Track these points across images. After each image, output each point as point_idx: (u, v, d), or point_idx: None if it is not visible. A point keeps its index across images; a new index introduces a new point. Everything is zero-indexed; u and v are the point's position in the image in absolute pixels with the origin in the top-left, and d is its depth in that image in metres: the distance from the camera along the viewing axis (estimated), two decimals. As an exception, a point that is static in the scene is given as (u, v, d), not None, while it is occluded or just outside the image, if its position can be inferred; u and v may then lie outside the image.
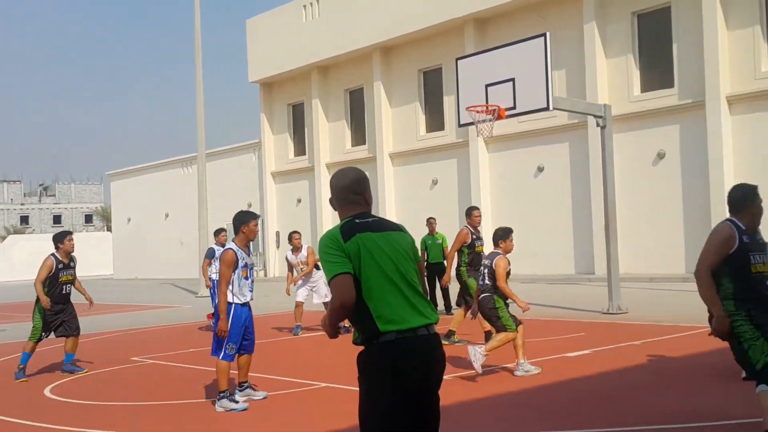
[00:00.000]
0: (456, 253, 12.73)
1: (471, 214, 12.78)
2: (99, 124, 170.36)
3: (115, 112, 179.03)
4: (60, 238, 11.50)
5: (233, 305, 8.47)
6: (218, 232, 16.06)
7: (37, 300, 11.23)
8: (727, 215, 6.33)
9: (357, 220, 4.12)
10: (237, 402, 8.42)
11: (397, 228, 4.25)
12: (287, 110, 38.37)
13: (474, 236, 12.58)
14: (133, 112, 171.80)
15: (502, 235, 9.83)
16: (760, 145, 22.29)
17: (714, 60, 22.82)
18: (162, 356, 12.81)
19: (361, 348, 4.06)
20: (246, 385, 8.84)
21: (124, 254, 49.42)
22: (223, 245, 15.52)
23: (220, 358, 8.44)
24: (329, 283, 3.96)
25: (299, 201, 37.45)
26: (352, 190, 4.23)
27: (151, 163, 48.43)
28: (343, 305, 3.94)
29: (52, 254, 11.40)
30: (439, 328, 4.43)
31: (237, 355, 8.61)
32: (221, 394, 8.41)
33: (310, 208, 36.63)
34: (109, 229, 77.42)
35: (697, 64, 23.40)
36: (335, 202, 4.28)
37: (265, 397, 8.84)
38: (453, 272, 13.04)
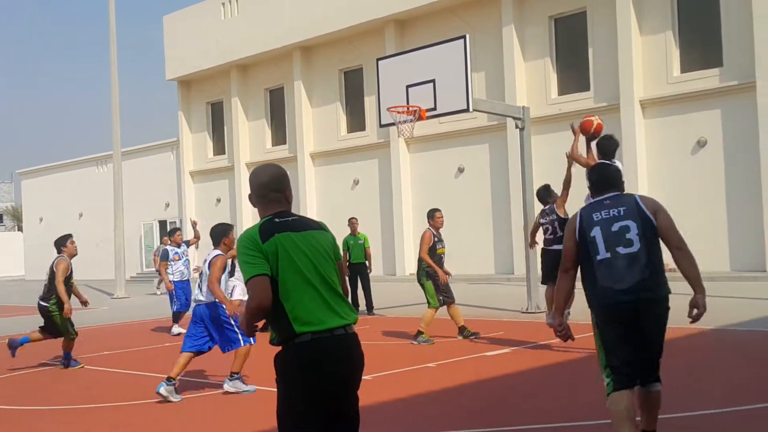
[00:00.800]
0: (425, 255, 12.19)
1: (433, 216, 12.43)
2: (9, 121, 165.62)
3: (26, 109, 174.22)
4: (63, 242, 11.49)
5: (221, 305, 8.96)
6: (173, 232, 15.79)
7: (57, 301, 11.19)
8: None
9: (276, 219, 4.08)
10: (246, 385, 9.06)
11: (318, 227, 4.21)
12: (206, 108, 37.87)
13: (436, 238, 12.38)
14: (45, 109, 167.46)
15: None
16: (673, 148, 22.94)
17: (628, 64, 23.40)
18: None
19: (279, 349, 4.04)
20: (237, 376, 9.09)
21: (36, 255, 47.96)
22: (179, 245, 15.37)
23: (252, 342, 9.01)
24: (246, 283, 3.92)
25: (219, 201, 37.02)
26: (272, 187, 4.18)
27: (64, 161, 47.22)
28: (259, 307, 3.92)
29: (63, 257, 11.25)
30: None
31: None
32: (235, 376, 9.01)
33: (230, 208, 36.24)
34: (20, 229, 75.21)
35: (612, 68, 23.96)
36: (255, 200, 4.22)
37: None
38: (435, 268, 12.12)
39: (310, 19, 31.12)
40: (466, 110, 15.32)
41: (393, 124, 15.99)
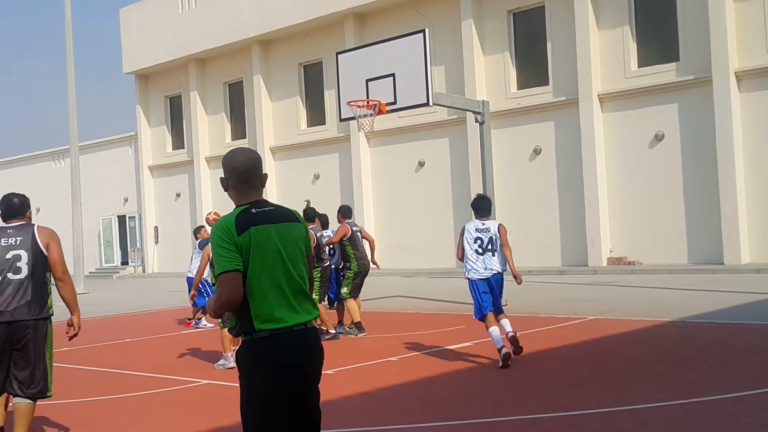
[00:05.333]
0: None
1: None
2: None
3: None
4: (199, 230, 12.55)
5: None
6: (199, 230, 15.33)
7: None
8: None
9: (253, 210, 4.00)
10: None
11: (293, 218, 4.14)
12: (164, 102, 37.51)
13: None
14: None
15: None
16: (630, 142, 23.20)
17: (586, 59, 23.59)
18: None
19: (241, 344, 4.03)
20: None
21: (-8, 251, 47.32)
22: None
23: None
24: (217, 277, 3.88)
25: (178, 195, 36.70)
26: (251, 173, 4.08)
27: (19, 155, 46.51)
28: (229, 302, 3.90)
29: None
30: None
31: None
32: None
33: (190, 203, 35.95)
34: (-26, 225, 73.94)
35: (570, 62, 24.15)
36: (231, 185, 4.10)
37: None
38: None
39: (268, 12, 30.95)
40: (426, 104, 15.34)
41: (353, 118, 15.96)
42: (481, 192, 17.13)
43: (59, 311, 6.68)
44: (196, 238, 15.16)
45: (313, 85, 31.39)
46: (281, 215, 4.09)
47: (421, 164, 27.87)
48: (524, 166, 25.30)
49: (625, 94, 23.28)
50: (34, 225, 6.39)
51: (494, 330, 9.28)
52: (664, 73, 22.68)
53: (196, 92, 35.04)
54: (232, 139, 34.33)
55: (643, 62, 23.32)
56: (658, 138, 22.68)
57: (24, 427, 6.10)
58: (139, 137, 38.15)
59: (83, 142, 36.61)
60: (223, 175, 4.15)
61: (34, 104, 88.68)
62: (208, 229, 14.91)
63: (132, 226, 39.26)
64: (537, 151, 25.08)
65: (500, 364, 9.09)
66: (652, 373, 8.45)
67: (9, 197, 6.46)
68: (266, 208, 4.06)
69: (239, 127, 34.34)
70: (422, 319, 14.27)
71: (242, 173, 4.07)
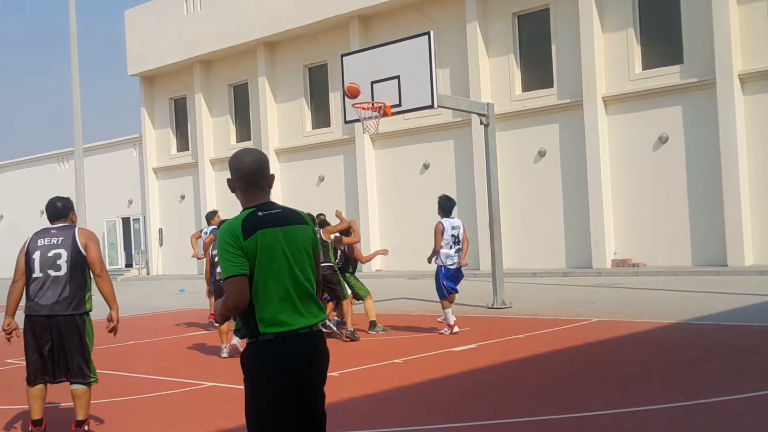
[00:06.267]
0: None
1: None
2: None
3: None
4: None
5: None
6: (212, 215, 15.66)
7: None
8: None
9: (260, 213, 3.98)
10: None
11: (301, 220, 4.12)
12: (169, 104, 37.55)
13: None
14: (2, 104, 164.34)
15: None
16: (634, 144, 23.19)
17: (590, 61, 23.60)
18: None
19: (246, 346, 4.04)
20: None
21: (-3, 253, 47.41)
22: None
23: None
24: (224, 281, 3.89)
25: (183, 197, 36.73)
26: (258, 174, 4.06)
27: (24, 158, 46.58)
28: (236, 306, 3.90)
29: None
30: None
31: None
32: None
33: (194, 205, 35.98)
34: (-21, 227, 73.98)
35: (575, 65, 24.15)
36: (238, 186, 4.08)
37: None
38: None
39: (274, 14, 30.98)
40: (431, 106, 15.36)
41: (358, 120, 15.98)
42: (487, 193, 17.20)
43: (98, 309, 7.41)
44: (209, 225, 15.58)
45: (318, 87, 31.41)
46: (288, 217, 4.07)
47: (426, 166, 27.88)
48: (529, 168, 25.31)
49: (630, 96, 23.29)
50: (75, 227, 7.09)
51: (449, 311, 12.18)
52: (669, 75, 22.68)
53: (200, 94, 35.09)
54: (237, 141, 34.36)
55: (647, 65, 23.32)
56: (662, 140, 22.68)
57: (83, 408, 6.92)
58: (144, 139, 38.20)
59: (87, 144, 36.66)
60: (229, 177, 4.14)
61: (38, 106, 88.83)
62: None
63: (136, 228, 39.29)
64: (541, 153, 25.09)
65: (448, 332, 12.10)
66: (656, 374, 8.46)
67: (53, 201, 7.21)
68: (273, 211, 4.03)
69: (244, 129, 34.37)
70: (427, 320, 14.28)
71: (249, 174, 4.05)
